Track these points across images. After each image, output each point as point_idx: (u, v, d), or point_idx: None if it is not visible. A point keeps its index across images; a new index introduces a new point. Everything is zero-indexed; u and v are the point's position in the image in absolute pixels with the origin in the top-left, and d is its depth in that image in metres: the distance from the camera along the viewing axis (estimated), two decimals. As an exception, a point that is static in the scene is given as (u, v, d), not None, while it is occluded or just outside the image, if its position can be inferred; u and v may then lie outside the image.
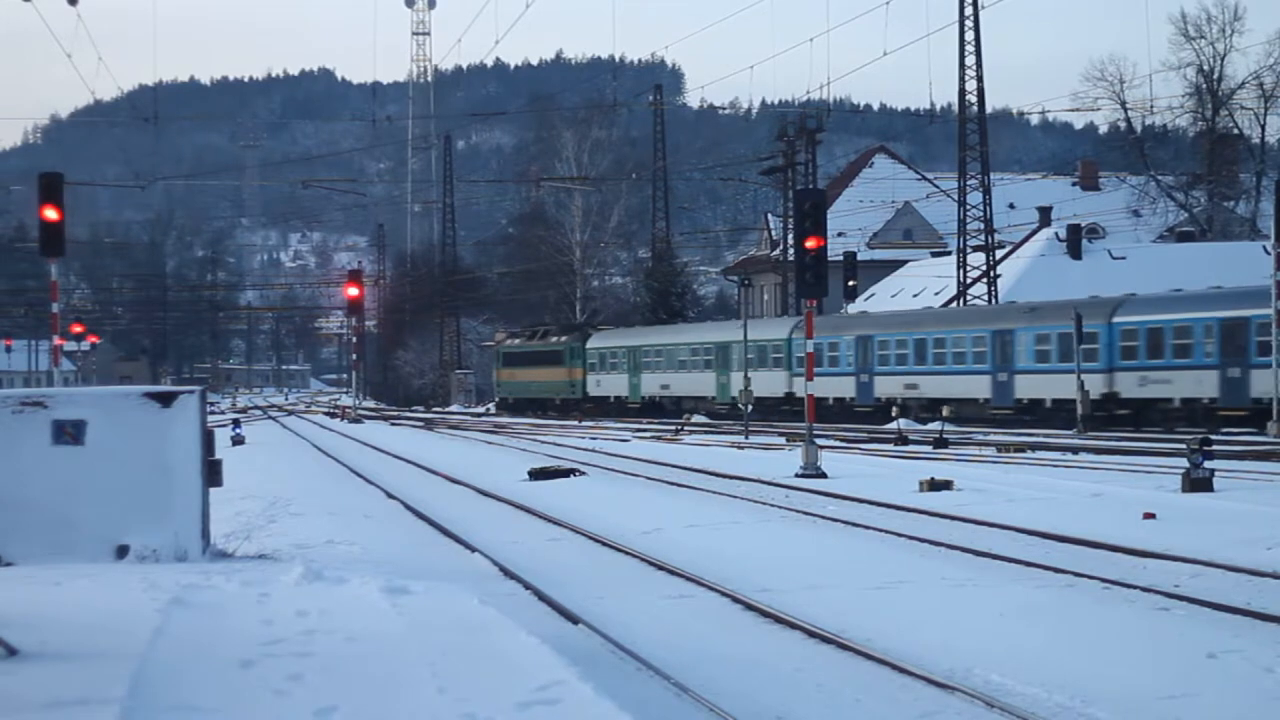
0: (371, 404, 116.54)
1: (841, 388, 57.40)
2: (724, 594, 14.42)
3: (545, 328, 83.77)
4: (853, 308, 71.26)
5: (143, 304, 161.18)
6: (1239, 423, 42.31)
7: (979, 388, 51.64)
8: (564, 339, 78.36)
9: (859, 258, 76.89)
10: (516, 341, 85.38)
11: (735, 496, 25.33)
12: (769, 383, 60.96)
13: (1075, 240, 72.81)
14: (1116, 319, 47.16)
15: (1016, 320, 51.31)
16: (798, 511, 22.55)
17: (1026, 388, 49.68)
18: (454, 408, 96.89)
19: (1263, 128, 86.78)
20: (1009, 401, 50.40)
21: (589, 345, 76.00)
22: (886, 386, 55.77)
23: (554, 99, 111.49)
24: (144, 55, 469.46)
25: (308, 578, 13.55)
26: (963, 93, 64.62)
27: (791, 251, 42.87)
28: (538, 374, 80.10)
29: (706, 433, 51.18)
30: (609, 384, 73.92)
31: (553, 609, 13.77)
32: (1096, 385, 46.57)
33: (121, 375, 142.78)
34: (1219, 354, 43.51)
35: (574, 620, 13.07)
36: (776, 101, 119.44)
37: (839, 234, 75.66)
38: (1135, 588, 14.29)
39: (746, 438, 45.75)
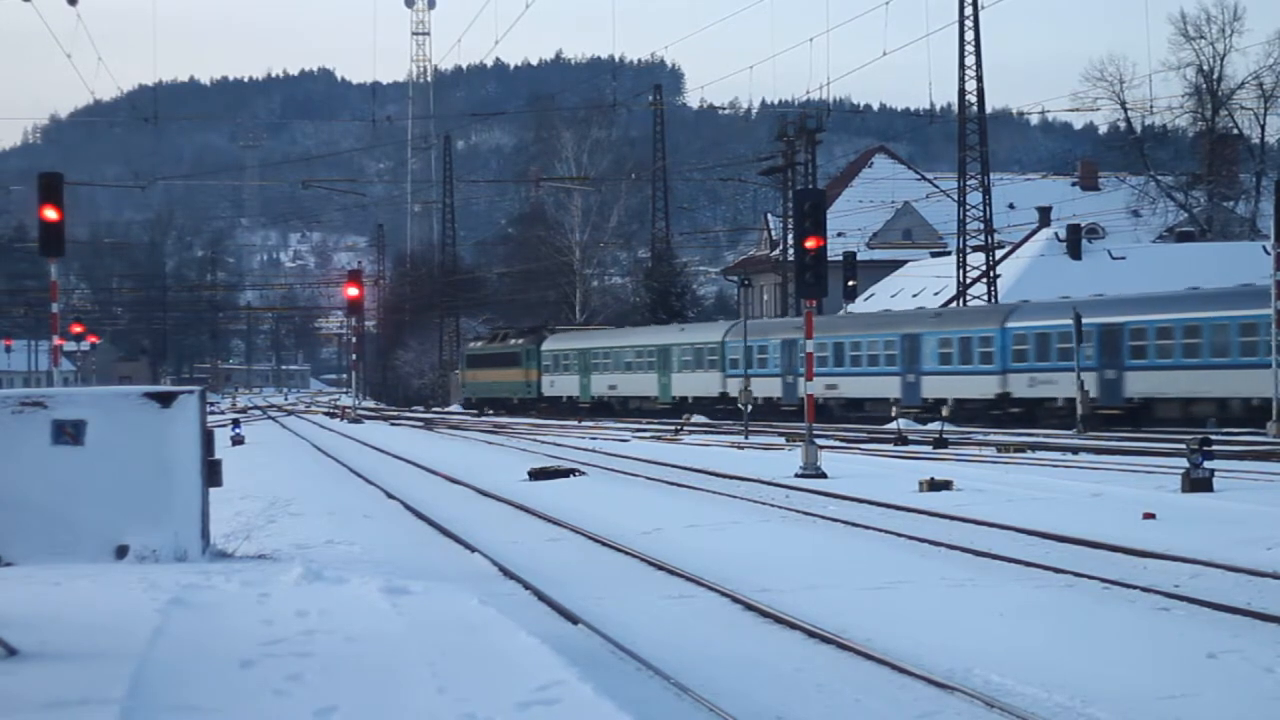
0: (371, 404, 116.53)
1: (770, 388, 61.38)
2: (724, 594, 14.42)
3: (505, 330, 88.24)
4: (853, 308, 71.30)
5: (142, 304, 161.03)
6: (1115, 421, 45.71)
7: (890, 388, 55.41)
8: (521, 342, 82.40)
9: (859, 258, 76.88)
10: (479, 344, 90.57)
11: (735, 496, 25.32)
12: (705, 383, 65.66)
13: (1075, 240, 72.82)
14: (1009, 324, 51.02)
15: (923, 325, 55.29)
16: (798, 511, 22.55)
17: (931, 388, 53.59)
18: (454, 408, 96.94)
19: (1262, 128, 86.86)
20: (916, 401, 54.18)
21: (544, 348, 79.76)
22: (809, 386, 57.17)
23: (554, 99, 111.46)
24: (144, 55, 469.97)
25: (307, 578, 13.56)
26: (962, 93, 64.62)
27: (791, 251, 42.85)
28: (498, 375, 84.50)
29: (706, 433, 51.20)
30: (562, 384, 77.79)
31: (552, 609, 13.77)
32: (992, 386, 51.06)
33: (121, 375, 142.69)
34: (1097, 357, 46.85)
35: (574, 620, 13.07)
36: (776, 101, 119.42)
37: (839, 234, 75.67)
38: (1135, 588, 14.29)
39: (746, 438, 45.75)
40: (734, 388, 61.52)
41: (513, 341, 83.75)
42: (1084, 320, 46.63)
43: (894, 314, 62.17)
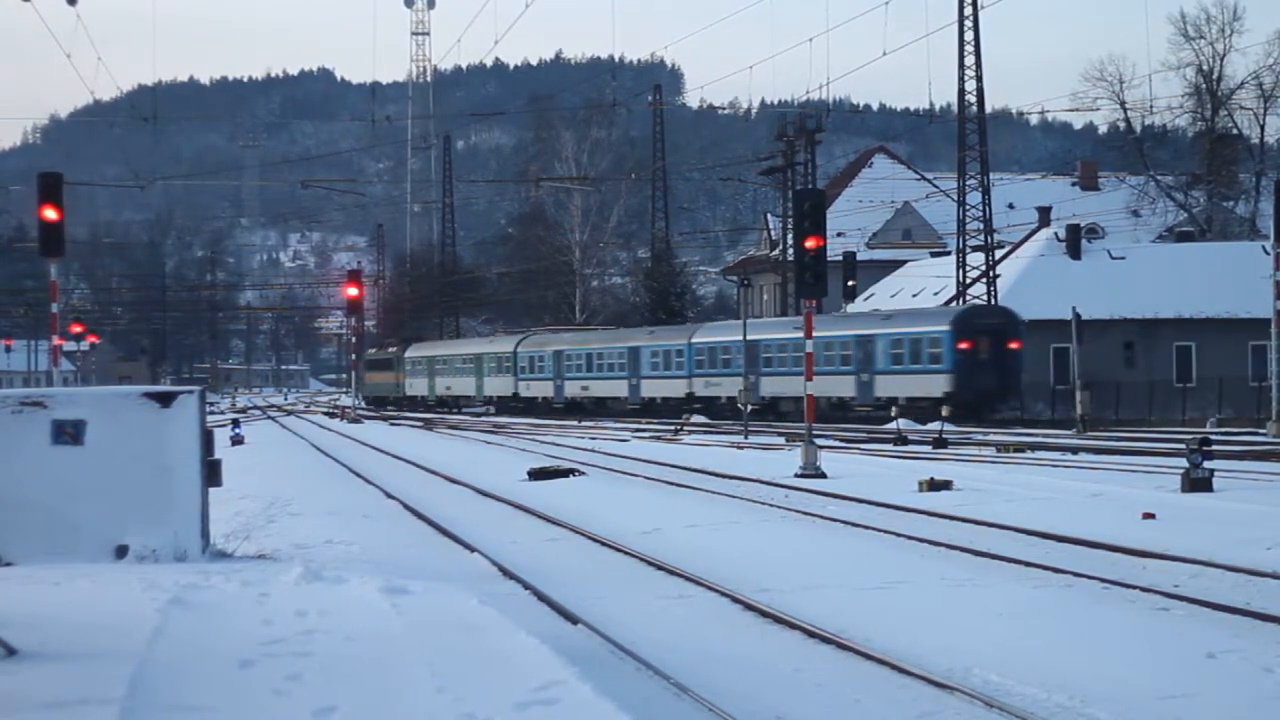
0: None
1: (545, 389, 77.94)
2: (724, 594, 14.42)
3: (388, 341, 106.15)
4: (852, 308, 71.33)
5: (142, 304, 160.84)
6: (756, 415, 57.85)
7: (621, 389, 71.11)
8: (393, 351, 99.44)
9: (858, 258, 76.76)
10: (374, 351, 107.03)
11: (735, 496, 25.32)
12: (503, 385, 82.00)
13: (1075, 240, 72.67)
14: (694, 340, 66.86)
15: (641, 340, 71.09)
16: (797, 511, 22.55)
17: (648, 389, 69.03)
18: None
19: (1262, 128, 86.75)
20: (637, 399, 69.95)
21: (405, 355, 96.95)
22: (571, 389, 75.42)
23: (553, 99, 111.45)
24: (143, 55, 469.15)
25: (307, 578, 13.55)
26: (962, 93, 64.56)
27: (791, 251, 42.88)
28: (380, 377, 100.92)
29: (706, 433, 51.20)
30: (416, 386, 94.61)
31: (552, 609, 13.77)
32: (682, 387, 66.86)
33: (121, 375, 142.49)
34: (744, 366, 59.59)
35: (573, 620, 13.07)
36: (776, 101, 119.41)
37: (838, 234, 75.51)
38: (1135, 588, 14.29)
39: (746, 438, 45.74)
40: (523, 389, 79.69)
41: (389, 350, 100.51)
42: (737, 338, 60.77)
43: (623, 331, 76.84)
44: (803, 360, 56.50)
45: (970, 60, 63.83)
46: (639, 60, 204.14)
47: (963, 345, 53.54)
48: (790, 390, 58.89)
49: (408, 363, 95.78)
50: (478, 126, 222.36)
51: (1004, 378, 54.49)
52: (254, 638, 10.61)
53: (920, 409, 53.40)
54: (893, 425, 47.94)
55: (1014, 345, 55.10)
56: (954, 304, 66.47)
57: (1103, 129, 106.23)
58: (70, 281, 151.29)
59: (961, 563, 16.52)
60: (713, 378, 64.75)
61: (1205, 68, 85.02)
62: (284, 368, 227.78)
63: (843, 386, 57.72)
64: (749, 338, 60.48)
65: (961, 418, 50.59)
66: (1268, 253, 47.67)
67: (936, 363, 53.91)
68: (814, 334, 55.31)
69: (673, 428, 55.10)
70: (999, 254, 69.44)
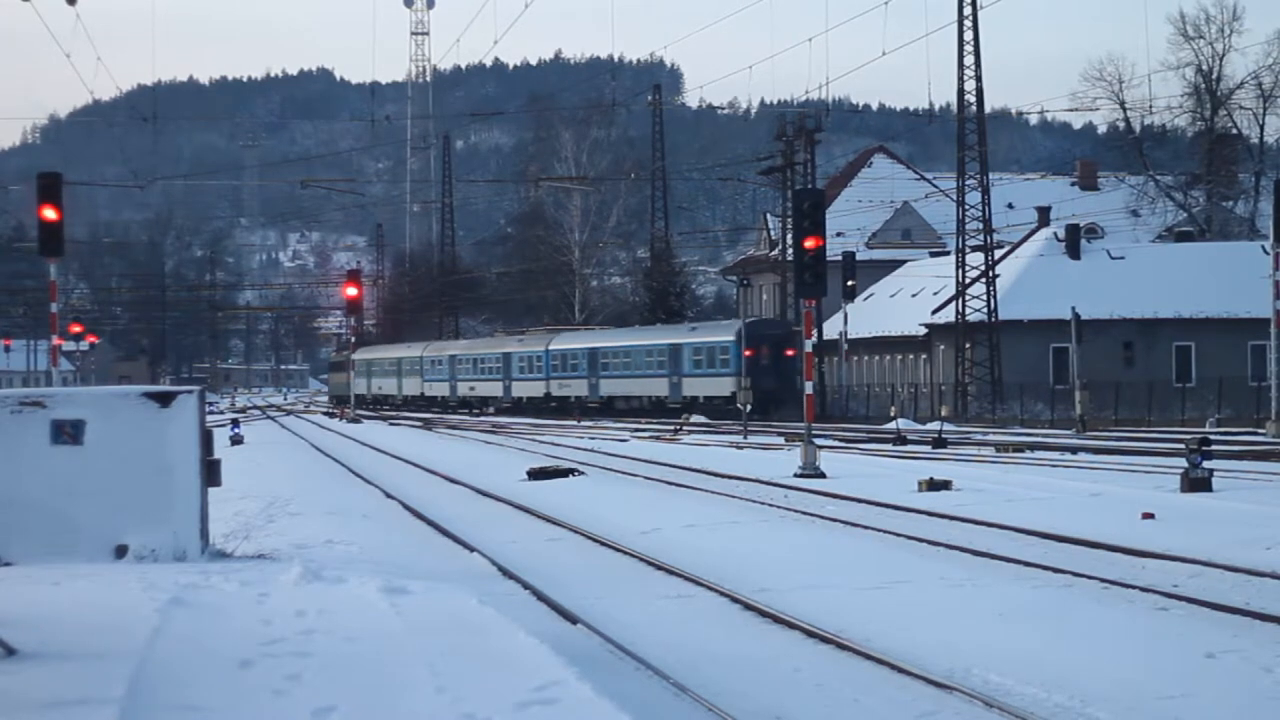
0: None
1: (443, 389, 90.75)
2: (723, 594, 14.42)
3: (346, 345, 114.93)
4: (851, 308, 71.41)
5: (141, 304, 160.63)
6: (596, 413, 70.78)
7: (497, 389, 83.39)
8: (345, 353, 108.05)
9: (858, 258, 76.75)
10: (335, 354, 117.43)
11: (734, 496, 25.32)
12: (412, 385, 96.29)
13: (1074, 240, 72.67)
14: (551, 347, 78.29)
15: (511, 346, 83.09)
16: (797, 511, 22.55)
17: (518, 390, 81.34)
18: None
19: (1261, 128, 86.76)
20: (509, 399, 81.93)
21: (354, 358, 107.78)
22: (462, 389, 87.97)
23: (553, 99, 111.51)
24: (143, 55, 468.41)
25: (306, 578, 13.55)
26: (961, 92, 64.58)
27: (790, 251, 42.87)
28: (339, 378, 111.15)
29: (705, 433, 51.20)
30: (359, 385, 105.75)
31: (552, 609, 13.77)
32: (541, 388, 78.37)
33: (120, 375, 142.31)
34: (587, 369, 72.56)
35: (573, 620, 13.07)
36: (775, 101, 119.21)
37: (838, 234, 75.53)
38: (1134, 588, 14.29)
39: (745, 438, 45.74)
40: (427, 389, 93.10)
41: (342, 353, 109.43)
42: (580, 345, 75.49)
43: (498, 339, 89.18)
44: (632, 365, 70.29)
45: (970, 60, 63.88)
46: (638, 60, 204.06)
47: (747, 353, 60.07)
48: (622, 390, 71.54)
49: (355, 365, 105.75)
50: (477, 126, 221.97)
51: (781, 379, 63.67)
52: (253, 637, 10.61)
53: (714, 406, 63.16)
54: (892, 425, 47.97)
55: (790, 353, 63.80)
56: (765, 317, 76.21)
57: (1102, 129, 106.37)
58: (70, 281, 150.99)
59: (961, 562, 16.52)
60: (564, 380, 76.67)
61: (1205, 68, 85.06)
62: (283, 368, 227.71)
63: (658, 387, 68.36)
64: (589, 345, 73.26)
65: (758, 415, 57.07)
66: (1267, 252, 47.74)
67: (726, 367, 63.84)
68: (637, 342, 70.38)
69: (672, 428, 55.10)
70: (998, 254, 69.44)
